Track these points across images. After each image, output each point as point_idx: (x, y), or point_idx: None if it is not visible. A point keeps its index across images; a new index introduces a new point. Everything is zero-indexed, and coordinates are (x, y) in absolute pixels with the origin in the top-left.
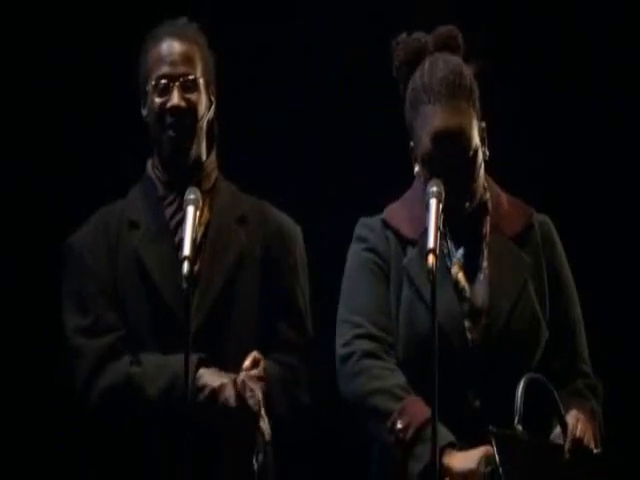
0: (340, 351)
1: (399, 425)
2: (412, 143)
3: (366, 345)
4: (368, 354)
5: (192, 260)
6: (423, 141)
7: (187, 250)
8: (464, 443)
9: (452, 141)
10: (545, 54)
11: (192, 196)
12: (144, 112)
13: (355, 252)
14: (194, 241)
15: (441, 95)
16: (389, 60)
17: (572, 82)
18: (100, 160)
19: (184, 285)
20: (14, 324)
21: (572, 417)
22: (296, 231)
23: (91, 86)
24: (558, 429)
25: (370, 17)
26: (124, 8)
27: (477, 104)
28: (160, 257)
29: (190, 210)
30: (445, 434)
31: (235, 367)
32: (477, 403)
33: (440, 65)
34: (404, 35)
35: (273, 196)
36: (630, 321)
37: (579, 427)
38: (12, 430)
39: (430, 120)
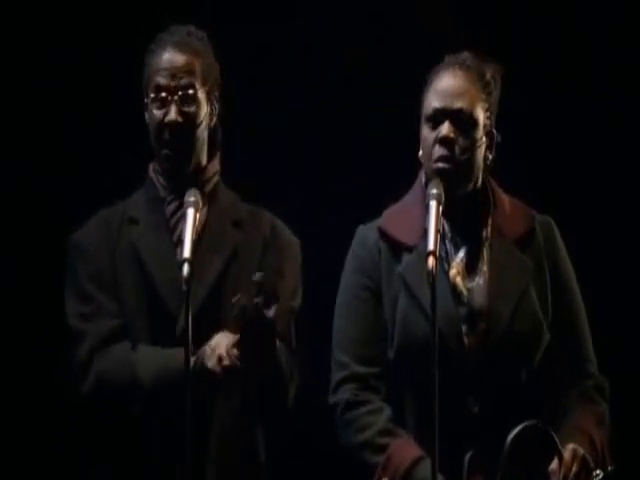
0: (329, 399)
1: None
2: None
3: (349, 392)
4: (351, 404)
5: (192, 262)
6: (428, 98)
7: (187, 252)
8: (463, 449)
9: (456, 97)
10: (545, 54)
11: (192, 198)
12: (147, 117)
13: (346, 273)
14: (194, 243)
15: (455, 65)
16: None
17: (572, 82)
18: (100, 160)
19: (184, 287)
20: (14, 324)
21: (569, 453)
22: (291, 241)
23: (91, 86)
24: (556, 461)
25: (370, 17)
26: (125, 8)
27: (490, 98)
28: (157, 252)
29: (190, 212)
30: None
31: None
32: (476, 409)
33: (462, 55)
34: None
35: (273, 197)
36: (631, 321)
37: (573, 469)
38: (12, 430)
39: (439, 81)
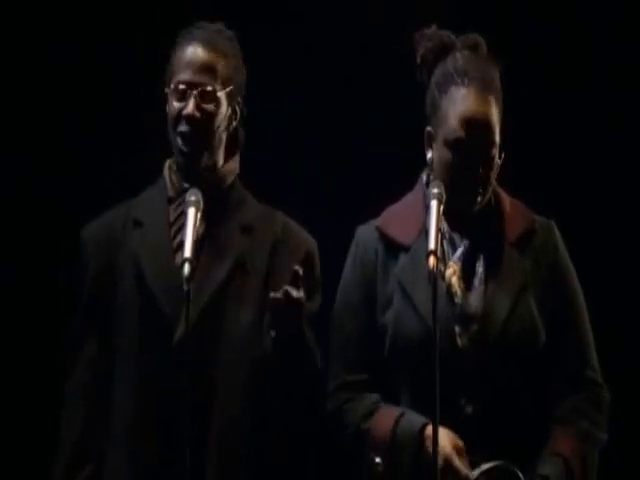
0: (327, 405)
1: (377, 460)
2: (429, 128)
3: (339, 401)
4: (341, 410)
5: (192, 262)
6: (451, 122)
7: (188, 252)
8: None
9: (480, 127)
10: (545, 54)
11: (193, 198)
12: (167, 109)
13: (344, 275)
14: (195, 243)
15: (477, 81)
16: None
17: (572, 82)
18: (104, 161)
19: (185, 287)
20: (15, 324)
21: None
22: (306, 243)
23: (95, 87)
24: None
25: (370, 17)
26: (126, 8)
27: (501, 105)
28: (156, 258)
29: (191, 212)
30: (417, 419)
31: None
32: (469, 410)
33: (475, 58)
34: (433, 28)
35: (273, 197)
36: (632, 322)
37: None
38: (12, 430)
39: (462, 102)
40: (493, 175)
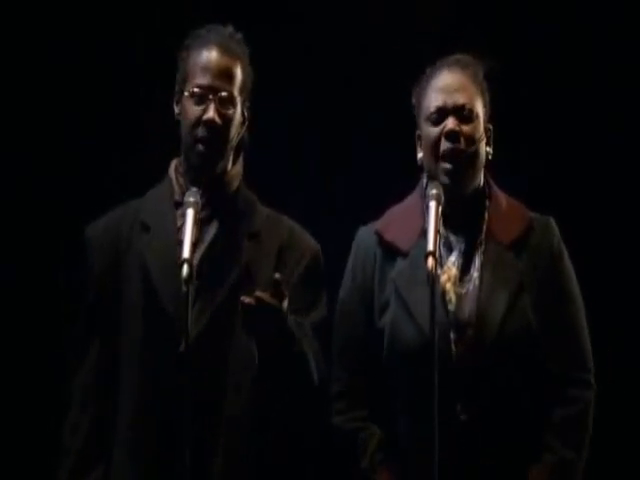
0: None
1: None
2: (419, 131)
3: (342, 416)
4: (336, 414)
5: (191, 262)
6: (429, 97)
7: (186, 253)
8: (451, 457)
9: (456, 91)
10: (545, 54)
11: (191, 199)
12: (176, 109)
13: (344, 278)
14: (194, 244)
15: (450, 62)
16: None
17: (572, 82)
18: (104, 161)
19: (183, 288)
20: (15, 324)
21: None
22: (309, 247)
23: (95, 87)
24: None
25: (370, 17)
26: (126, 8)
27: (485, 95)
28: (162, 262)
29: (189, 213)
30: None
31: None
32: (464, 417)
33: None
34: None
35: (273, 197)
36: (630, 324)
37: None
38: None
39: (438, 78)
40: (481, 151)
